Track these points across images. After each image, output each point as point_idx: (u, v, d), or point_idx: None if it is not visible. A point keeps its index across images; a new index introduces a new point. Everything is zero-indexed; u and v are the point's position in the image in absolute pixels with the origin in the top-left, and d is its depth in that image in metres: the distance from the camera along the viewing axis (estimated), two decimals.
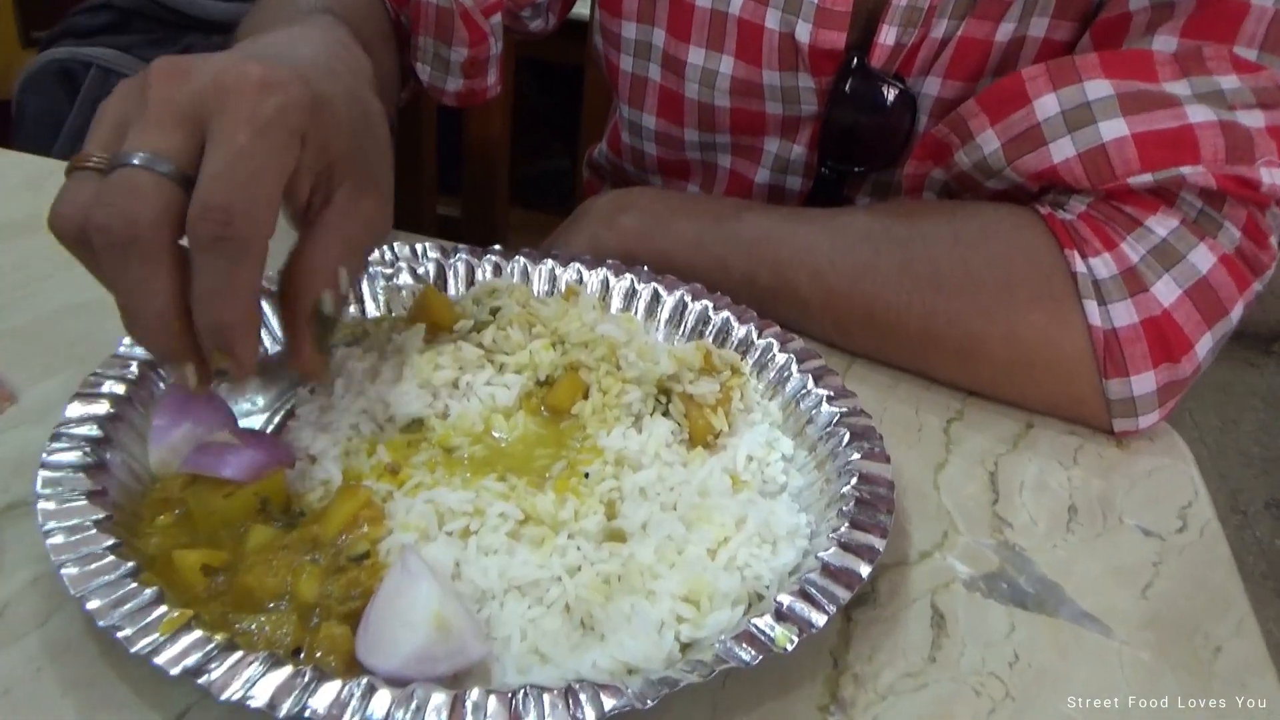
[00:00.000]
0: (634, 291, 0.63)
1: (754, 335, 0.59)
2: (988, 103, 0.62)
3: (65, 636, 0.41)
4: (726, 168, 0.81)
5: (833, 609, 0.41)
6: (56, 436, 0.45)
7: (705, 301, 0.61)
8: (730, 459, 0.50)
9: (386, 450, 0.48)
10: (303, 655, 0.39)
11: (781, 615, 0.40)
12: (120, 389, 0.49)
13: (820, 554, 0.44)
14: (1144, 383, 0.58)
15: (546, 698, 0.36)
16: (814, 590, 0.42)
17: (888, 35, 0.67)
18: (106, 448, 0.46)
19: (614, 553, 0.44)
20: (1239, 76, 0.56)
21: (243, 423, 0.51)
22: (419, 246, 0.63)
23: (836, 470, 0.50)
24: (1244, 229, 0.58)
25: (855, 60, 0.69)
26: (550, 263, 0.63)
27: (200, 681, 0.35)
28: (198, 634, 0.37)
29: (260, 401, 0.54)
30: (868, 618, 0.46)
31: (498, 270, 0.63)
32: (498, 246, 0.64)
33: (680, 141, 0.80)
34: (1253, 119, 0.56)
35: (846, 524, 0.45)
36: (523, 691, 0.36)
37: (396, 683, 0.37)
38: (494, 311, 0.55)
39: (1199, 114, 0.56)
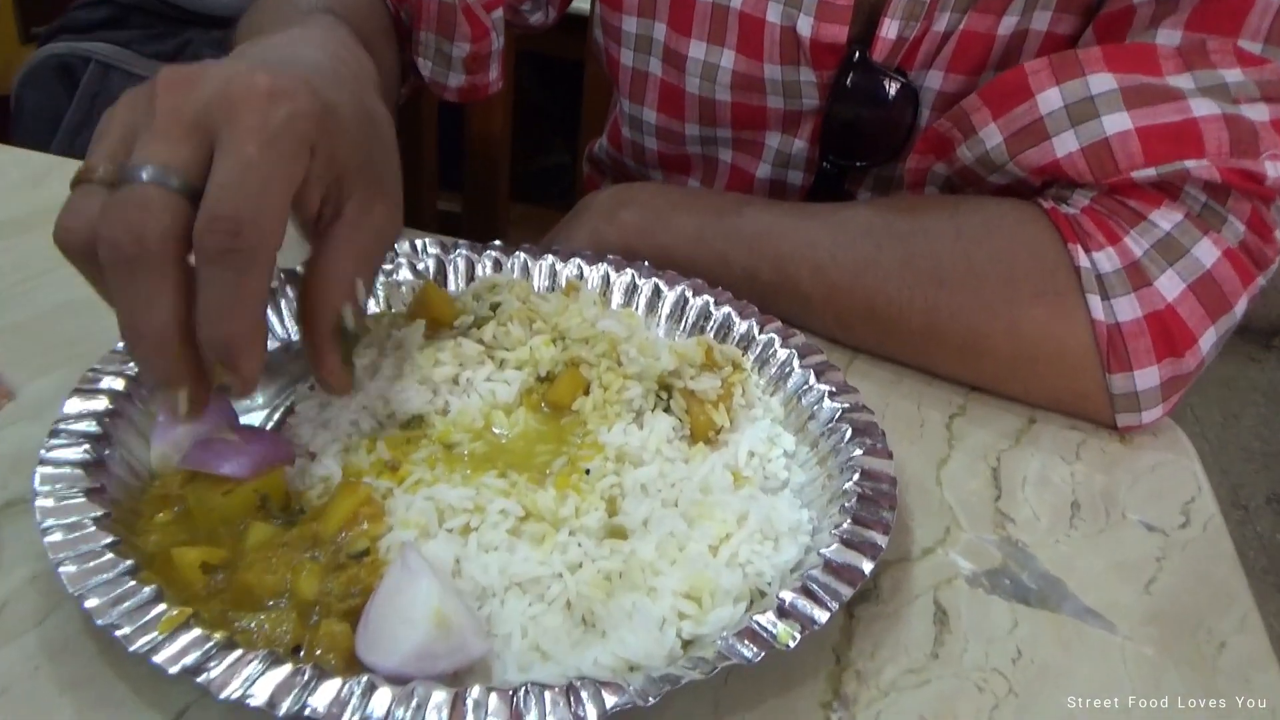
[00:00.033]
0: (635, 287, 0.62)
1: (755, 331, 0.59)
2: (990, 97, 0.62)
3: (63, 635, 0.40)
4: (727, 162, 0.81)
5: (835, 605, 0.41)
6: (55, 433, 0.45)
7: (706, 297, 0.61)
8: (732, 455, 0.50)
9: (386, 447, 0.48)
10: (302, 653, 0.38)
11: (784, 612, 0.40)
12: (119, 385, 0.48)
13: (822, 550, 0.44)
14: (1147, 377, 0.58)
15: (548, 695, 0.36)
16: (816, 587, 0.41)
17: (890, 29, 0.66)
18: (105, 444, 0.46)
19: (615, 549, 0.44)
20: (1243, 70, 0.56)
21: (243, 419, 0.51)
22: (419, 242, 0.63)
23: (838, 466, 0.50)
24: (1248, 223, 0.58)
25: (857, 54, 0.68)
26: (551, 258, 0.63)
27: (199, 680, 0.35)
28: (197, 632, 0.37)
29: (260, 398, 0.54)
30: (870, 614, 0.46)
31: (498, 266, 0.63)
32: (498, 242, 0.64)
33: (681, 136, 0.80)
34: (1257, 112, 0.56)
35: (849, 520, 0.45)
36: (524, 689, 0.36)
37: (397, 681, 0.36)
38: (494, 307, 0.55)
39: (1203, 107, 0.56)
